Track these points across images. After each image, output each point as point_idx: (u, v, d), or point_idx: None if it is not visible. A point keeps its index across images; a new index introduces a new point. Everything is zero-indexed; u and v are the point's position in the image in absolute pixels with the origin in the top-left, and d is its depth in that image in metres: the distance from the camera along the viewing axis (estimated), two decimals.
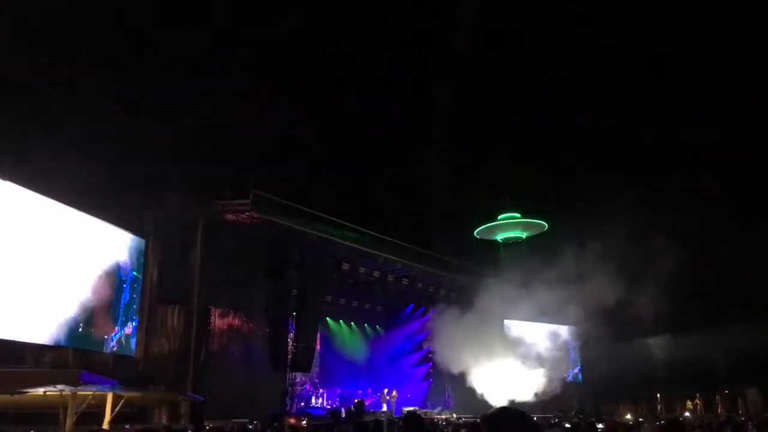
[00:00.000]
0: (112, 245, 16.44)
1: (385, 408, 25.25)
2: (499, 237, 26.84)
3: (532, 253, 27.32)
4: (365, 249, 24.02)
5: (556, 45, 23.65)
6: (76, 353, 14.70)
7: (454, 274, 28.72)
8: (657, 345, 29.07)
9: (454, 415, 24.64)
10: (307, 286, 23.44)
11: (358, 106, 25.56)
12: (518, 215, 25.89)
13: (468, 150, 28.21)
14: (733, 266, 25.88)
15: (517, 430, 3.37)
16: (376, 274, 26.76)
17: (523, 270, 27.08)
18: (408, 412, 18.63)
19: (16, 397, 10.07)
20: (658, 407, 29.07)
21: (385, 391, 26.20)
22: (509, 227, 26.23)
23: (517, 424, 3.38)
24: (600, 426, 16.30)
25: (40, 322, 13.64)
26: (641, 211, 23.42)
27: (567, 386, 31.57)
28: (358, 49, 23.92)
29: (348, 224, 23.24)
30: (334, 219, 22.78)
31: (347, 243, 23.25)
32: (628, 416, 23.88)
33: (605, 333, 28.58)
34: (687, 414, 25.17)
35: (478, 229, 26.73)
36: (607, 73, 24.29)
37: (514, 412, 3.44)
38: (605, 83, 24.59)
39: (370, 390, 26.64)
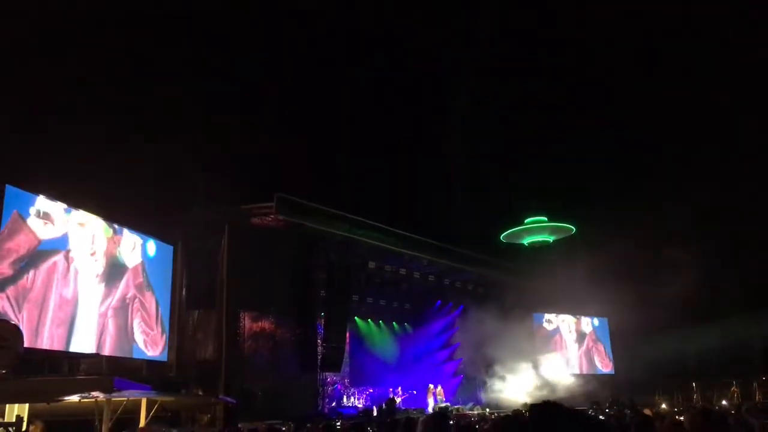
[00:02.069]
0: (141, 253, 16.68)
1: (431, 402, 25.50)
2: (526, 241, 26.35)
3: (560, 247, 26.97)
4: (390, 247, 24.02)
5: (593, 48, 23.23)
6: (109, 360, 14.97)
7: (481, 268, 28.57)
8: (690, 334, 28.61)
9: (487, 411, 24.54)
10: (335, 287, 23.55)
11: (380, 104, 25.52)
12: (545, 219, 25.32)
13: (494, 148, 27.91)
14: (765, 251, 25.41)
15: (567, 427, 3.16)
16: (403, 271, 26.79)
17: (552, 263, 26.82)
18: (436, 411, 18.71)
19: (53, 405, 10.27)
20: (695, 396, 28.61)
21: (431, 386, 26.44)
22: (536, 231, 25.72)
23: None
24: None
25: (74, 332, 13.98)
26: (671, 202, 23.10)
27: (599, 378, 31.31)
28: (379, 45, 23.81)
29: (372, 223, 23.25)
30: (359, 218, 22.80)
31: (372, 242, 23.28)
32: (664, 406, 23.54)
33: (637, 323, 28.27)
34: (724, 402, 24.72)
35: (504, 234, 26.29)
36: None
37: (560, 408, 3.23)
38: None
39: (400, 388, 26.61)
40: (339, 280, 23.67)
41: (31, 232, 12.85)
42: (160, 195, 17.48)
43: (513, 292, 28.70)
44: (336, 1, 22.32)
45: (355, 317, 27.55)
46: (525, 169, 26.61)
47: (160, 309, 17.00)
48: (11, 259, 12.34)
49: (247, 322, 20.97)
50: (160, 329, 16.94)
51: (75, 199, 14.41)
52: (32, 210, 12.98)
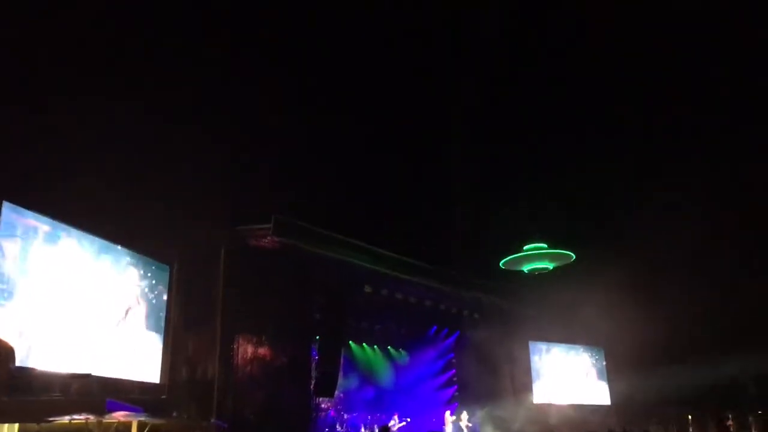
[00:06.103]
0: (135, 273, 16.55)
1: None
2: (526, 268, 25.94)
3: (558, 276, 26.73)
4: (386, 271, 23.89)
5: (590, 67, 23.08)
6: (101, 381, 14.75)
7: (478, 294, 28.41)
8: (688, 365, 28.48)
9: None
10: (330, 310, 23.35)
11: (378, 127, 25.37)
12: (545, 246, 24.94)
13: (492, 175, 27.68)
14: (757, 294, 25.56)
15: None
16: (399, 296, 26.53)
17: (549, 291, 26.66)
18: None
19: (44, 426, 10.09)
20: (690, 429, 28.43)
21: (448, 413, 26.43)
22: (536, 258, 25.30)
23: None
24: None
25: (67, 351, 13.83)
26: (671, 235, 23.00)
27: (595, 408, 31.09)
28: (380, 67, 23.68)
29: (369, 247, 23.14)
30: (356, 242, 22.70)
31: (369, 266, 23.16)
32: None
33: (634, 353, 28.19)
34: None
35: (503, 261, 25.98)
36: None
37: None
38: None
39: (396, 414, 26.24)
40: (334, 304, 23.48)
41: None
42: (155, 216, 17.33)
43: (510, 319, 28.59)
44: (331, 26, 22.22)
45: (350, 341, 27.30)
46: (524, 195, 26.38)
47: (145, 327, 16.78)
48: None
49: (242, 345, 20.68)
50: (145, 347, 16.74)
51: (69, 217, 14.33)
52: None
